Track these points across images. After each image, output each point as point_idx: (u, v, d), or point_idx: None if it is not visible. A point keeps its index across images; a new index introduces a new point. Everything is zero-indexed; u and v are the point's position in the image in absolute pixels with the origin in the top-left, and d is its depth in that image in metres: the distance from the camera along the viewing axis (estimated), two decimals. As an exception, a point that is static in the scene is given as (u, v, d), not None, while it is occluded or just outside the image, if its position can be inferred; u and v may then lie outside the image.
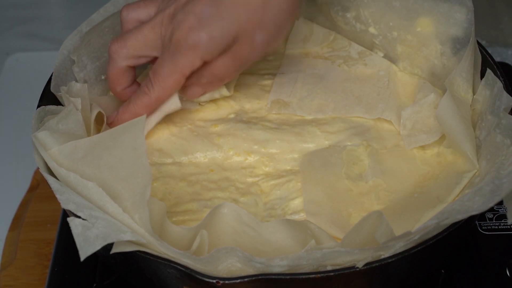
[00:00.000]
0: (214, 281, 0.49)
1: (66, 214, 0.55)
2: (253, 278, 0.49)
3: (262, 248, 0.52)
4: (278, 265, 0.49)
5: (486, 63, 0.64)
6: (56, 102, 0.65)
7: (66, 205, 0.52)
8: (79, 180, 0.53)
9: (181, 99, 0.68)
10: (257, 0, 0.59)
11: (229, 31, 0.60)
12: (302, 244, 0.52)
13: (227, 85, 0.68)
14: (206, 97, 0.68)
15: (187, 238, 0.53)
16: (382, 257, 0.50)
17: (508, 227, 0.66)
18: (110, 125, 0.64)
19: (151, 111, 0.64)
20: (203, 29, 0.59)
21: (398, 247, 0.50)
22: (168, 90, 0.63)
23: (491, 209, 0.67)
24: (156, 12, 0.63)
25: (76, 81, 0.67)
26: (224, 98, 0.69)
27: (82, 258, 0.48)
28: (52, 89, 0.64)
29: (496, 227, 0.66)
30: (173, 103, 0.64)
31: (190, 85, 0.64)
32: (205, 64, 0.61)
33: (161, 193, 0.62)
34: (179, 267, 0.50)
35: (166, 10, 0.61)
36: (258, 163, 0.64)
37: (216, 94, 0.68)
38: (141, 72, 0.73)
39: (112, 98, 0.68)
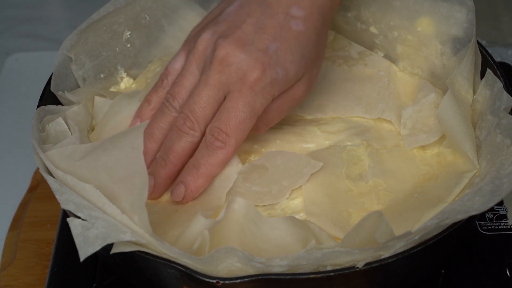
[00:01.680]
0: (214, 281, 0.49)
1: (66, 214, 0.55)
2: (253, 278, 0.49)
3: (262, 246, 0.52)
4: (278, 265, 0.49)
5: (486, 63, 0.64)
6: (56, 102, 0.65)
7: (65, 205, 0.51)
8: (76, 183, 0.53)
9: None
10: (312, 36, 0.59)
11: (301, 66, 0.59)
12: (303, 242, 0.52)
13: None
14: None
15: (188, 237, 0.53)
16: (382, 257, 0.50)
17: (508, 227, 0.66)
18: (183, 199, 0.59)
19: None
20: (278, 64, 0.58)
21: (398, 247, 0.50)
22: (244, 137, 0.58)
23: (491, 209, 0.67)
24: (191, 62, 0.60)
25: (76, 79, 0.67)
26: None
27: (82, 258, 0.48)
28: (52, 88, 0.64)
29: (496, 227, 0.66)
30: None
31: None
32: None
33: (161, 193, 0.62)
34: (179, 267, 0.50)
35: (213, 56, 0.58)
36: (258, 163, 0.64)
37: None
38: (139, 71, 0.72)
39: (113, 95, 0.68)
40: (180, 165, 0.59)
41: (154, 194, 0.59)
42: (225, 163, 0.58)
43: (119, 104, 0.66)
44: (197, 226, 0.53)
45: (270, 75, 0.57)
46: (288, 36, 0.58)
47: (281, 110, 0.60)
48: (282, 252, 0.52)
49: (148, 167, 0.59)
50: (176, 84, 0.60)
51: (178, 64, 0.62)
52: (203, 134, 0.58)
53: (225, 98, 0.58)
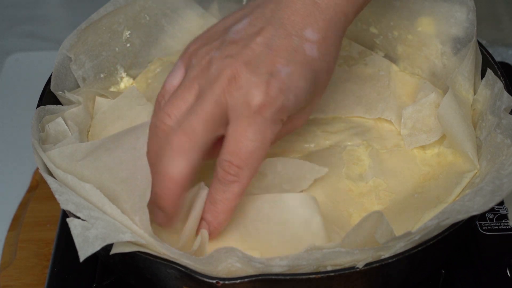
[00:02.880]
0: (214, 281, 0.49)
1: (65, 214, 0.55)
2: (253, 278, 0.49)
3: (261, 226, 0.54)
4: (278, 265, 0.49)
5: (487, 63, 0.64)
6: (56, 102, 0.65)
7: (65, 205, 0.51)
8: (77, 182, 0.53)
9: None
10: (324, 63, 0.54)
11: (310, 93, 0.54)
12: (305, 222, 0.53)
13: None
14: None
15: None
16: (382, 257, 0.50)
17: (509, 227, 0.66)
18: (210, 236, 0.54)
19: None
20: (290, 90, 0.52)
21: (399, 247, 0.50)
22: (258, 166, 0.52)
23: (491, 209, 0.67)
24: (192, 78, 0.53)
25: (76, 79, 0.67)
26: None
27: (82, 258, 0.48)
28: (52, 88, 0.64)
29: (497, 227, 0.66)
30: None
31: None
32: None
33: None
34: (178, 267, 0.50)
35: (220, 75, 0.52)
36: (258, 163, 0.64)
37: None
38: (139, 71, 0.72)
39: (114, 95, 0.68)
40: (180, 190, 0.52)
41: (166, 223, 0.54)
42: (242, 194, 0.53)
43: (119, 110, 0.66)
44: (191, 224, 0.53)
45: (281, 100, 0.52)
46: (302, 61, 0.53)
47: (277, 138, 0.55)
48: (283, 231, 0.53)
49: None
50: (174, 98, 0.53)
51: (175, 81, 0.55)
52: (200, 153, 0.52)
53: (227, 123, 0.52)
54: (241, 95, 0.51)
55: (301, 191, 0.60)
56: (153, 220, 0.53)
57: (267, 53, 0.53)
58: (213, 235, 0.54)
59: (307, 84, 0.53)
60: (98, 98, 0.66)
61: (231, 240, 0.55)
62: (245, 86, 0.51)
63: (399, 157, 0.64)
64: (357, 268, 0.50)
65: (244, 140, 0.51)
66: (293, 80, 0.53)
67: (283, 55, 0.53)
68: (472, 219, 0.54)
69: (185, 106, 0.52)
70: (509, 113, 0.59)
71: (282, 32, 0.53)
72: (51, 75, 0.64)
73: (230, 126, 0.52)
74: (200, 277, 0.49)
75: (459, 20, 0.65)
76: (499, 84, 0.61)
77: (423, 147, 0.64)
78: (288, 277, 0.49)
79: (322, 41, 0.54)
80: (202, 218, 0.54)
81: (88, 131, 0.65)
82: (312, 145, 0.65)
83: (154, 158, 0.52)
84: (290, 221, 0.54)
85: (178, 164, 0.51)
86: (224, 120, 0.52)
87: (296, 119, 0.56)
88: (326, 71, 0.55)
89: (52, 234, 0.71)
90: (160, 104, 0.55)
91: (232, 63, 0.52)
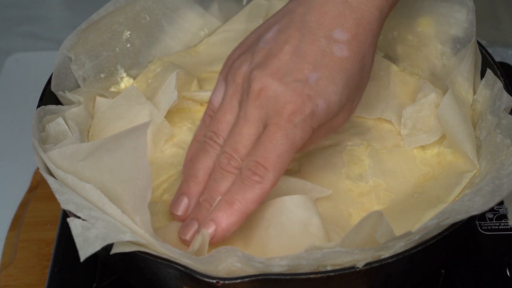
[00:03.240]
0: (214, 281, 0.49)
1: (66, 214, 0.55)
2: (253, 278, 0.49)
3: (262, 223, 0.54)
4: (278, 265, 0.49)
5: (486, 63, 0.64)
6: (56, 102, 0.65)
7: (65, 205, 0.51)
8: (77, 182, 0.52)
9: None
10: (357, 61, 0.55)
11: (344, 96, 0.55)
12: (304, 224, 0.54)
13: None
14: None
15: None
16: (382, 257, 0.50)
17: (508, 227, 0.66)
18: (213, 240, 0.53)
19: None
20: (319, 95, 0.53)
21: (398, 247, 0.50)
22: (282, 173, 0.54)
23: (491, 209, 0.67)
24: (230, 96, 0.56)
25: (76, 79, 0.67)
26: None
27: (82, 258, 0.48)
28: (52, 88, 0.64)
29: (496, 227, 0.66)
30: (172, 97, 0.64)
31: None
32: None
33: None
34: (179, 267, 0.50)
35: (249, 90, 0.54)
36: (258, 163, 0.64)
37: None
38: (139, 71, 0.72)
39: (114, 95, 0.68)
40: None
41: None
42: (262, 199, 0.53)
43: (119, 109, 0.65)
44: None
45: (310, 107, 0.53)
46: (331, 64, 0.54)
47: (316, 138, 0.57)
48: (281, 233, 0.53)
49: (192, 212, 0.56)
50: (217, 120, 0.56)
51: (219, 96, 0.58)
52: None
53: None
54: (271, 104, 0.53)
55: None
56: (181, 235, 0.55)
57: (294, 61, 0.54)
58: (217, 238, 0.53)
59: (338, 87, 0.54)
60: (98, 98, 0.66)
61: (231, 242, 0.55)
62: (274, 96, 0.53)
63: (399, 157, 0.64)
64: (357, 268, 0.50)
65: (272, 143, 0.53)
66: (321, 85, 0.53)
67: (310, 60, 0.54)
68: (471, 219, 0.54)
69: (228, 127, 0.56)
70: (509, 113, 0.59)
71: (309, 37, 0.54)
72: (51, 75, 0.64)
73: (262, 132, 0.54)
74: (200, 277, 0.49)
75: (459, 20, 0.65)
76: (499, 84, 0.61)
77: (423, 147, 0.64)
78: (288, 277, 0.50)
79: (352, 40, 0.55)
80: (210, 219, 0.53)
81: (89, 131, 0.65)
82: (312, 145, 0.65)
83: (200, 169, 0.56)
84: (288, 223, 0.54)
85: (226, 184, 0.54)
86: (263, 130, 0.54)
87: (334, 120, 0.56)
88: (360, 69, 0.55)
89: (52, 234, 0.71)
90: (206, 120, 0.59)
91: (260, 75, 0.54)
